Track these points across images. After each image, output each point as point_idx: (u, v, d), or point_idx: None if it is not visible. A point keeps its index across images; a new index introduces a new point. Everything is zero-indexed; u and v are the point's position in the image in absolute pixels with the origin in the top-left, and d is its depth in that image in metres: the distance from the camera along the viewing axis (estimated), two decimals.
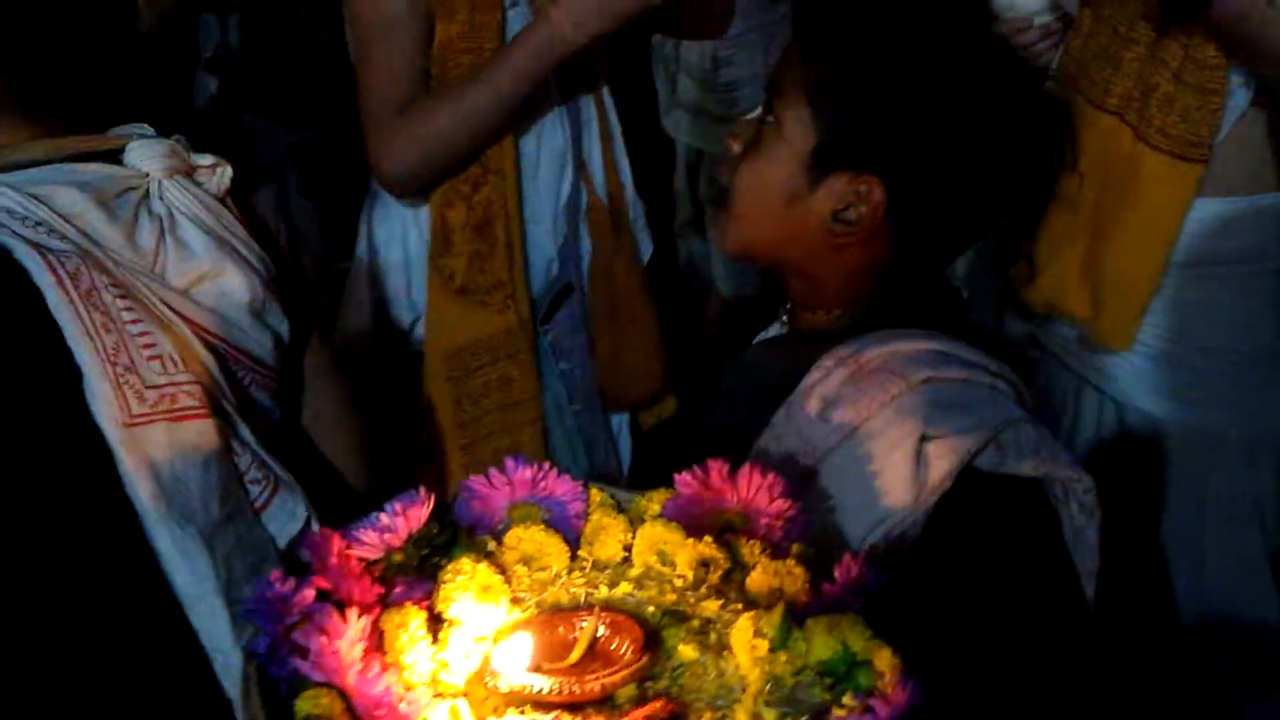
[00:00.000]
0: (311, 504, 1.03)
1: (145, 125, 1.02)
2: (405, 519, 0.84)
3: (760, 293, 1.43)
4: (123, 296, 0.92)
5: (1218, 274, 1.59)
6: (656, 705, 0.67)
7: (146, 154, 0.99)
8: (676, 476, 0.92)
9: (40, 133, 0.95)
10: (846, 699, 0.70)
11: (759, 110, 1.15)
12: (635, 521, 0.88)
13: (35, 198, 0.91)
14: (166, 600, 0.94)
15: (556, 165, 1.67)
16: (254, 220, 1.08)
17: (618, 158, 1.73)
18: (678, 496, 0.91)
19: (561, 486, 0.90)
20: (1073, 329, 1.68)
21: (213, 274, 0.99)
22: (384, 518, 0.84)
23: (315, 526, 1.04)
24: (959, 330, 1.11)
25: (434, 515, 0.85)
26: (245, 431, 0.99)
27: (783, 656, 0.73)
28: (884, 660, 0.71)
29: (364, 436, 1.19)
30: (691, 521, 0.88)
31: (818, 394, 1.05)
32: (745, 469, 0.90)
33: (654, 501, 0.91)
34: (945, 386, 1.02)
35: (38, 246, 0.89)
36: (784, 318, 1.22)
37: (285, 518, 1.03)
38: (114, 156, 0.98)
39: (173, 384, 0.93)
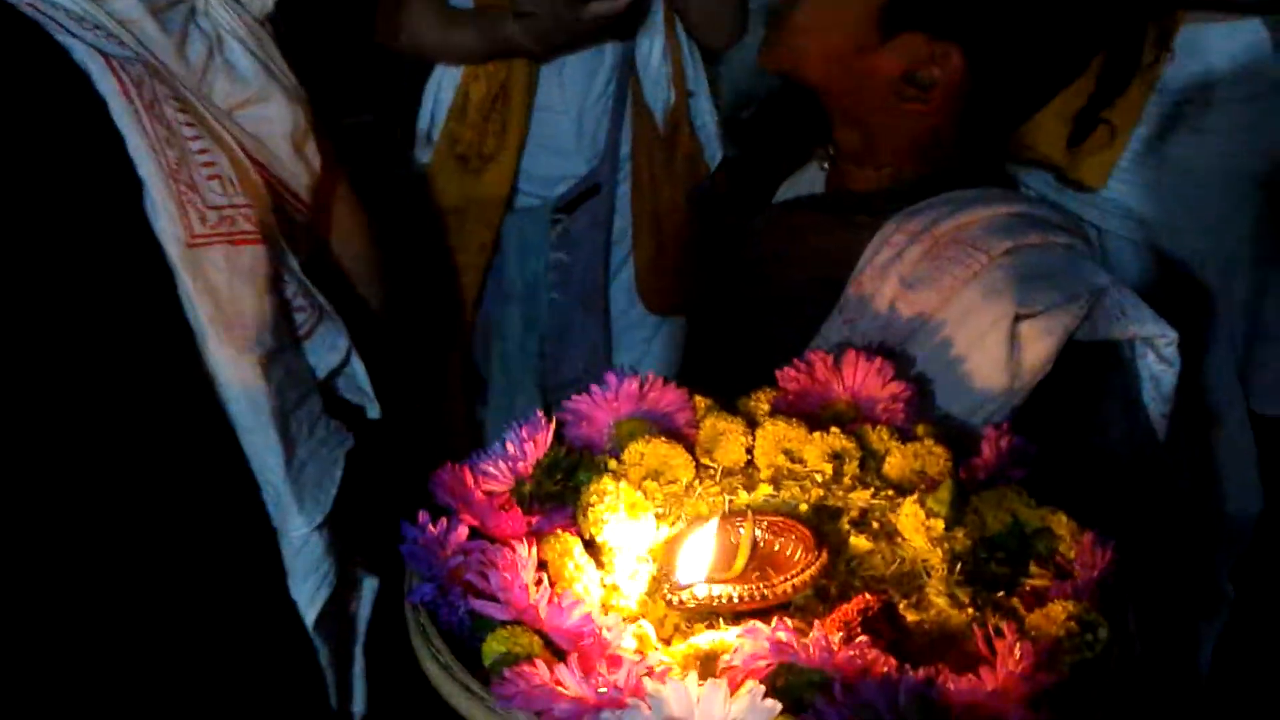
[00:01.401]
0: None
1: None
2: (533, 444, 0.82)
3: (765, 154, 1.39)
4: (183, 110, 0.89)
5: (1193, 97, 1.59)
6: (867, 598, 0.67)
7: None
8: (779, 372, 0.91)
9: None
10: (1034, 568, 0.71)
11: None
12: (749, 424, 0.88)
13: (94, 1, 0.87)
14: (220, 425, 0.93)
15: (589, 60, 1.67)
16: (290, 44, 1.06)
17: (686, 64, 1.72)
18: (785, 393, 0.91)
19: (668, 396, 0.89)
20: (1046, 169, 1.69)
21: (258, 99, 0.97)
22: (509, 446, 0.82)
23: (354, 359, 1.04)
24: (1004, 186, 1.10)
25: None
26: (292, 260, 0.98)
27: (959, 533, 0.74)
28: (1061, 525, 0.73)
29: (382, 269, 1.19)
30: (802, 416, 0.88)
31: (895, 273, 1.01)
32: (850, 355, 0.90)
33: (762, 401, 0.91)
34: (1028, 255, 0.99)
35: (100, 51, 0.85)
36: (824, 166, 1.16)
37: (327, 349, 1.02)
38: None
39: (232, 206, 0.91)
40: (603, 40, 1.67)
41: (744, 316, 1.16)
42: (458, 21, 1.67)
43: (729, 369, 1.11)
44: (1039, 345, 0.95)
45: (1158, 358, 1.00)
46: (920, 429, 0.85)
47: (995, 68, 1.03)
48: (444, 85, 1.73)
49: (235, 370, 0.90)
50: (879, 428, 0.84)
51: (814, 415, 0.89)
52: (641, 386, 0.88)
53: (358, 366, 1.05)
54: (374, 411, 1.07)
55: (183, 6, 0.93)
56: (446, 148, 1.72)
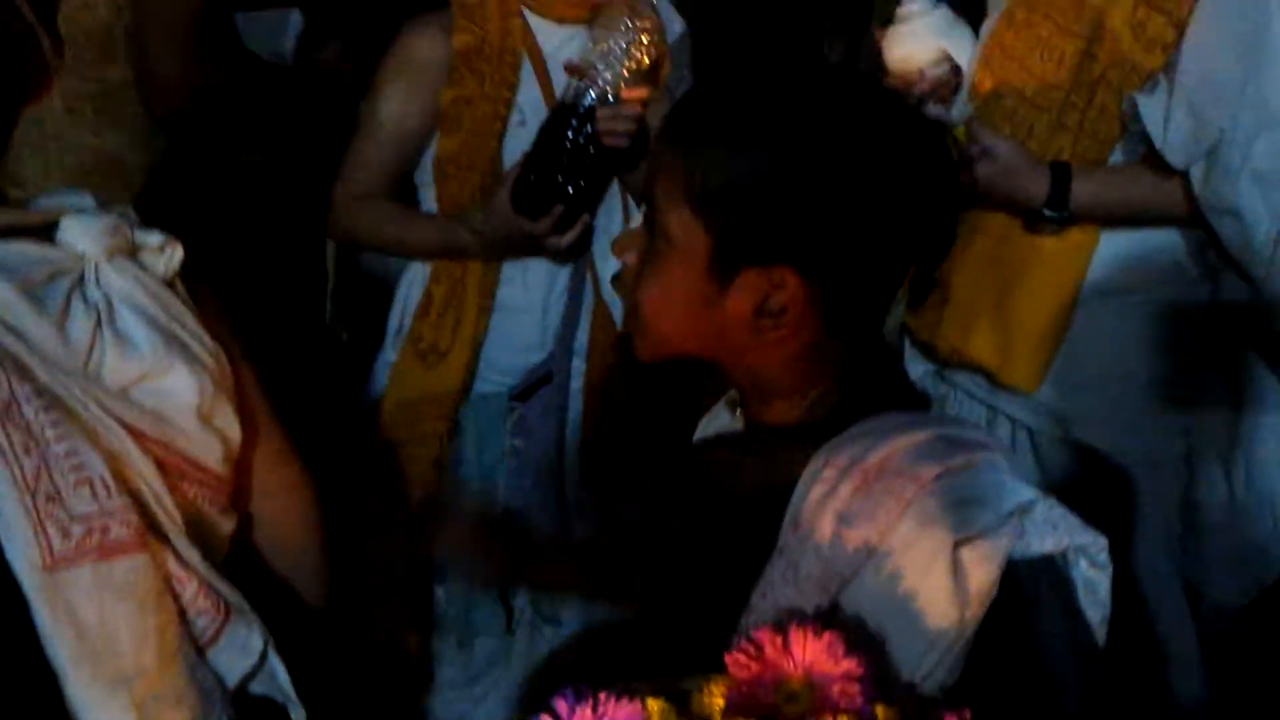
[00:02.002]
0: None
1: (85, 196, 0.92)
2: None
3: None
4: (48, 408, 0.82)
5: (1116, 304, 1.64)
6: None
7: (84, 231, 0.88)
8: (728, 658, 0.88)
9: None
10: None
11: (640, 223, 1.11)
12: None
13: None
14: None
15: (552, 263, 1.76)
16: (209, 305, 0.97)
17: None
18: (738, 683, 0.87)
19: (621, 712, 0.85)
20: (979, 371, 1.71)
21: (156, 372, 0.88)
22: None
23: (272, 657, 0.94)
24: (909, 394, 1.12)
25: None
26: (191, 554, 0.89)
27: None
28: None
29: (324, 545, 1.09)
30: (756, 705, 0.84)
31: (831, 509, 0.99)
32: (797, 633, 0.87)
33: (715, 695, 0.87)
34: (956, 478, 0.98)
35: None
36: (735, 411, 1.17)
37: (237, 652, 0.92)
38: (46, 232, 0.88)
39: (104, 513, 0.83)
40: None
41: (673, 565, 1.14)
42: (416, 220, 1.80)
43: (668, 623, 1.10)
44: (982, 571, 0.94)
45: (1090, 564, 0.98)
46: (880, 711, 0.81)
47: (832, 272, 1.04)
48: (413, 286, 1.83)
49: (106, 713, 0.82)
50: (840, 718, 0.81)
51: (771, 708, 0.85)
52: (595, 709, 0.84)
53: (276, 665, 0.94)
54: (298, 716, 0.97)
55: (65, 279, 0.86)
56: (410, 346, 1.82)
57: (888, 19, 1.74)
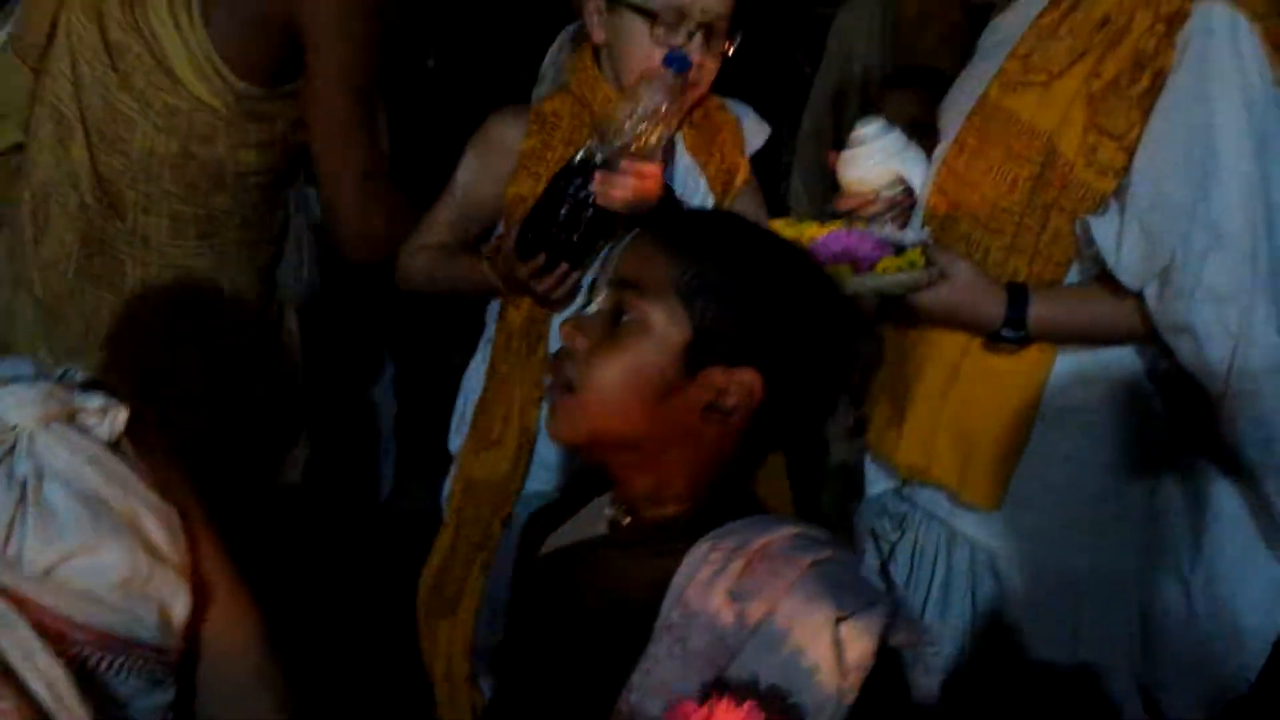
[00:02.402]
0: None
1: (24, 361, 0.90)
2: None
3: None
4: None
5: (1074, 422, 1.65)
6: None
7: (16, 402, 0.86)
8: None
9: None
10: None
11: (598, 304, 1.19)
12: None
13: None
14: None
15: None
16: (160, 460, 0.94)
17: None
18: None
19: None
20: (941, 488, 1.71)
21: (84, 550, 0.85)
22: None
23: None
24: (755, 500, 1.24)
25: None
26: None
27: None
28: None
29: (280, 691, 1.05)
30: None
31: (721, 587, 1.09)
32: (721, 706, 0.92)
33: None
34: (830, 566, 1.11)
35: None
36: (618, 517, 1.24)
37: None
38: None
39: None
40: None
41: (544, 666, 1.22)
42: (455, 259, 1.88)
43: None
44: (860, 644, 1.05)
45: (925, 667, 1.14)
46: None
47: (787, 383, 1.16)
48: (475, 372, 1.94)
49: None
50: None
51: None
52: None
53: None
54: None
55: None
56: (472, 432, 1.91)
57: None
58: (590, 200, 1.65)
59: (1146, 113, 1.51)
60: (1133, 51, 1.53)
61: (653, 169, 1.65)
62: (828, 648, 1.04)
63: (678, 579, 1.11)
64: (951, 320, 1.62)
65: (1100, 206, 1.55)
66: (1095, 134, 1.54)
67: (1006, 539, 1.69)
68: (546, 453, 1.84)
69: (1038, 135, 1.58)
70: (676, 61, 1.69)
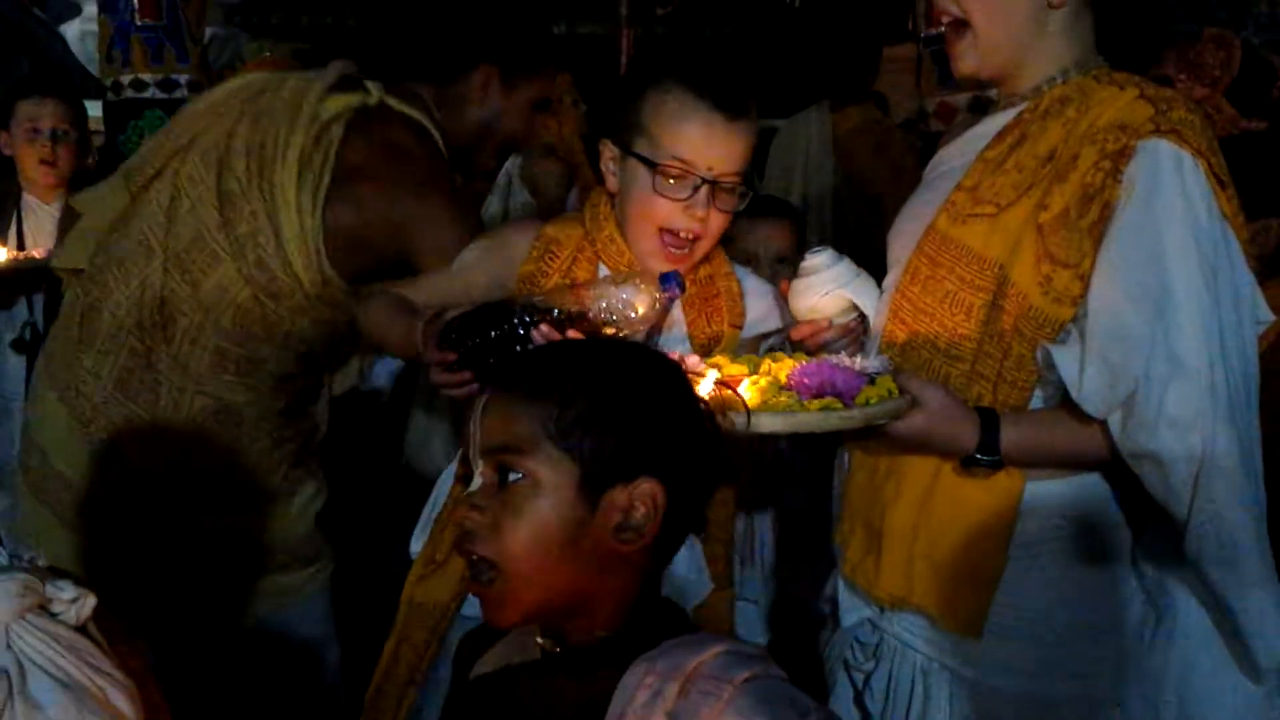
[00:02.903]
0: None
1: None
2: None
3: None
4: None
5: (1048, 550, 1.66)
6: None
7: None
8: None
9: None
10: None
11: (480, 477, 1.20)
12: None
13: None
14: None
15: None
16: (120, 638, 0.97)
17: None
18: None
19: None
20: (919, 616, 1.71)
21: None
22: None
23: None
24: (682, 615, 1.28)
25: None
26: None
27: None
28: None
29: None
30: None
31: (659, 710, 1.11)
32: None
33: None
34: (759, 682, 1.13)
35: None
36: (538, 640, 1.25)
37: None
38: None
39: None
40: None
41: None
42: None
43: None
44: None
45: None
46: None
47: (683, 476, 1.20)
48: (444, 486, 1.96)
49: None
50: None
51: None
52: None
53: None
54: None
55: None
56: (424, 549, 1.93)
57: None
58: (525, 343, 1.65)
59: (1097, 243, 1.54)
60: (1080, 186, 1.56)
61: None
62: None
63: (615, 705, 1.13)
64: (926, 447, 1.62)
65: (1060, 333, 1.57)
66: (1049, 263, 1.56)
67: (986, 668, 1.68)
68: None
69: (989, 264, 1.61)
70: (671, 282, 1.69)
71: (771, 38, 5.88)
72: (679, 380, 1.25)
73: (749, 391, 1.53)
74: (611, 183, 1.86)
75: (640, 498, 1.17)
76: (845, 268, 1.78)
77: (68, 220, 2.89)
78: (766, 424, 1.48)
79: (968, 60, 1.70)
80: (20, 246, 3.38)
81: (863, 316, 1.77)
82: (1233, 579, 1.55)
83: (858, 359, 1.61)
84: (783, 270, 2.26)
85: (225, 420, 2.24)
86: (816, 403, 1.49)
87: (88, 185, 2.53)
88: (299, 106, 2.22)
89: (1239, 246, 1.56)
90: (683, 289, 1.72)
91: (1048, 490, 1.65)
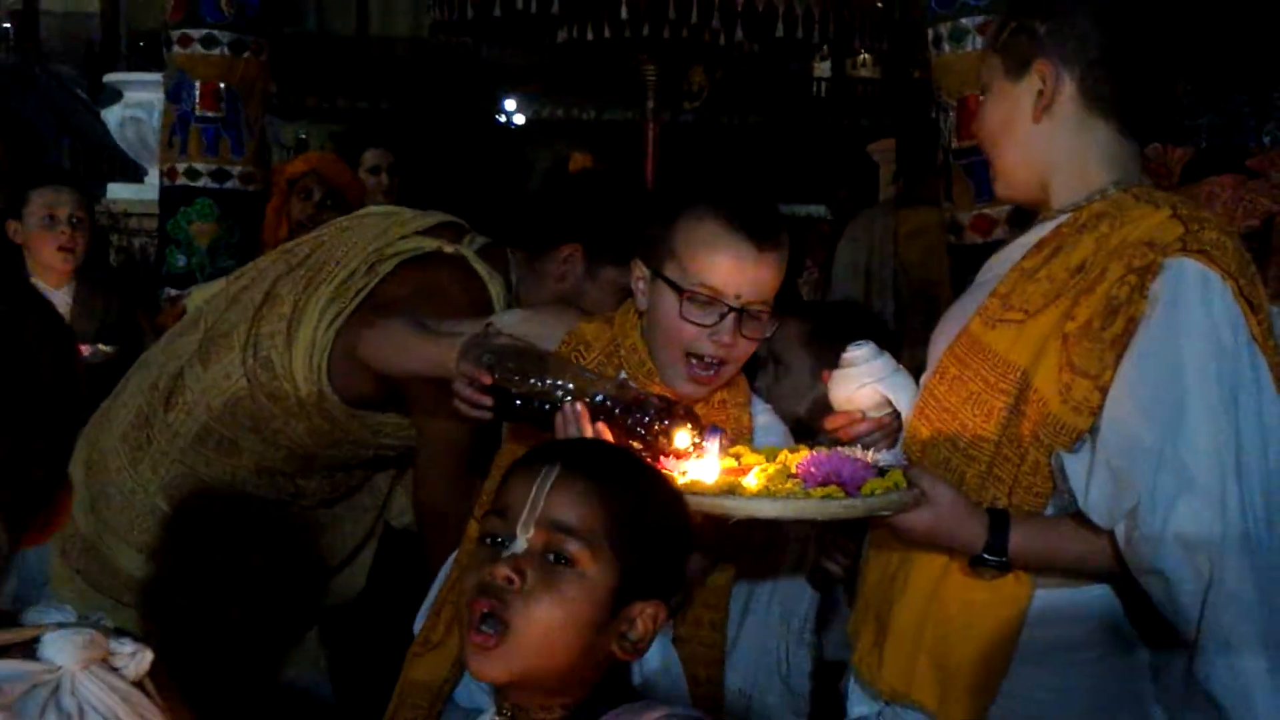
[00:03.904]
0: None
1: (68, 610, 1.03)
2: None
3: None
4: None
5: (1057, 660, 1.65)
6: None
7: (62, 646, 0.98)
8: None
9: None
10: None
11: (527, 542, 1.26)
12: None
13: None
14: None
15: None
16: (172, 694, 1.06)
17: None
18: None
19: None
20: (922, 713, 1.71)
21: None
22: None
23: None
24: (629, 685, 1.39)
25: None
26: None
27: None
28: None
29: None
30: None
31: None
32: None
33: None
34: None
35: None
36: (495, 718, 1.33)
37: None
38: (29, 646, 0.98)
39: None
40: None
41: None
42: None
43: None
44: None
45: None
46: None
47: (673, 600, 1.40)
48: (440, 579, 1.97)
49: None
50: None
51: None
52: None
53: None
54: None
55: (42, 689, 0.96)
56: (423, 638, 1.93)
57: None
58: (555, 408, 1.70)
59: (1119, 355, 1.55)
60: (1105, 298, 1.58)
61: (606, 437, 1.69)
62: None
63: None
64: (932, 543, 1.64)
65: (1076, 443, 1.58)
66: (1069, 372, 1.58)
67: None
68: None
69: (1013, 369, 1.63)
70: (717, 434, 1.70)
71: (797, 127, 5.96)
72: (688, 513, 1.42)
73: (757, 479, 1.57)
74: (640, 301, 1.89)
75: (647, 618, 1.28)
76: (883, 363, 1.82)
77: None
78: (767, 510, 1.52)
79: (997, 186, 1.78)
80: None
81: (897, 414, 1.80)
82: (1243, 708, 1.50)
83: (869, 453, 1.64)
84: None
85: (190, 489, 2.35)
86: (819, 491, 1.52)
87: (94, 272, 2.78)
88: (377, 235, 2.35)
89: (1269, 372, 1.55)
90: (722, 447, 1.70)
91: (1058, 598, 1.64)
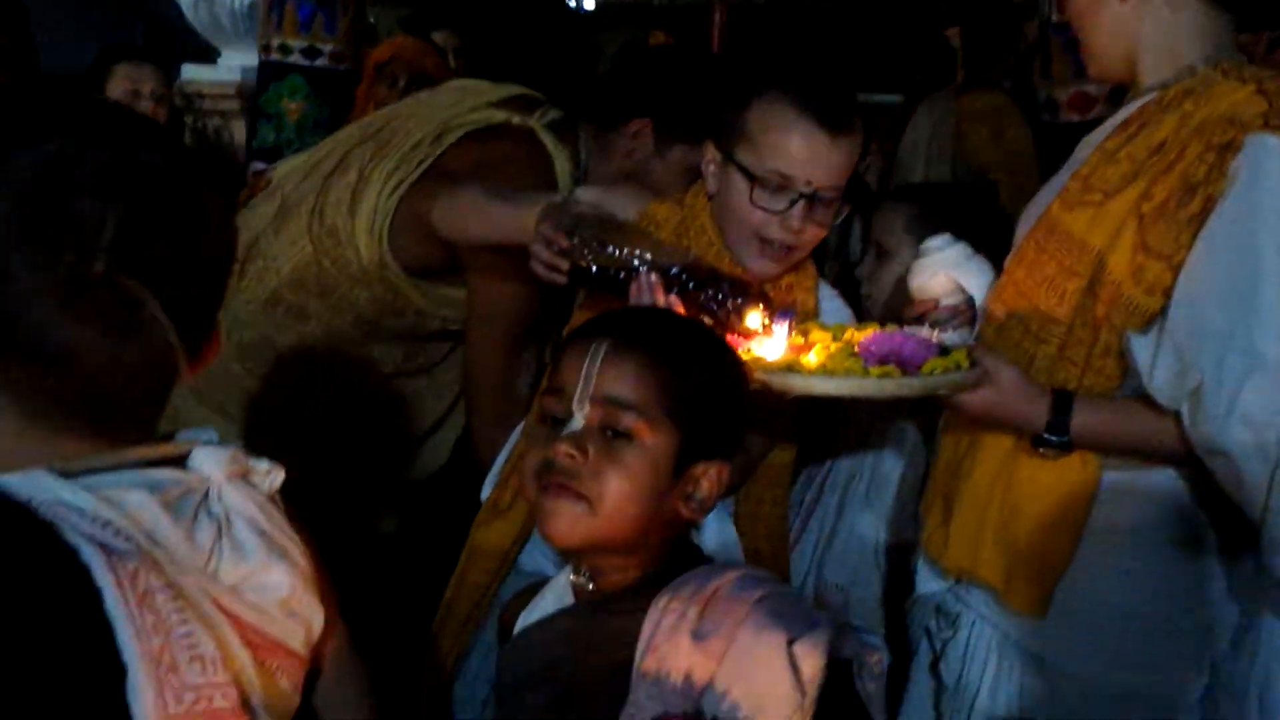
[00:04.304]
0: None
1: (211, 432, 1.13)
2: None
3: None
4: (175, 599, 1.00)
5: (1121, 542, 1.67)
6: None
7: (210, 460, 1.08)
8: None
9: (107, 445, 1.03)
10: None
11: (583, 418, 1.30)
12: None
13: (108, 500, 0.98)
14: None
15: None
16: (294, 518, 1.17)
17: None
18: None
19: None
20: (988, 590, 1.74)
21: (259, 571, 1.08)
22: None
23: None
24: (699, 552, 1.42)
25: None
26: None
27: None
28: None
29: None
30: None
31: (684, 631, 1.24)
32: None
33: None
34: (773, 599, 1.26)
35: (103, 547, 0.96)
36: (571, 579, 1.39)
37: None
38: (181, 460, 1.08)
39: (210, 684, 1.00)
40: None
41: None
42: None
43: None
44: (811, 660, 1.19)
45: (870, 674, 1.22)
46: None
47: (734, 460, 1.39)
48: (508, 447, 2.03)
49: None
50: None
51: None
52: None
53: None
54: None
55: (194, 496, 1.06)
56: (490, 504, 1.99)
57: None
58: (630, 277, 1.72)
59: (1195, 235, 1.53)
60: (1182, 176, 1.56)
61: (678, 310, 1.70)
62: (784, 668, 1.19)
63: (645, 631, 1.27)
64: (995, 422, 1.66)
65: (1147, 324, 1.58)
66: (1143, 254, 1.57)
67: (1057, 649, 1.70)
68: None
69: (1088, 251, 1.63)
70: (789, 316, 1.70)
71: (877, 15, 5.82)
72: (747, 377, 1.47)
73: (818, 355, 1.59)
74: (711, 184, 1.90)
75: (710, 477, 1.33)
76: (957, 251, 1.83)
77: None
78: (824, 386, 1.54)
79: (1089, 64, 1.75)
80: None
81: (971, 300, 1.81)
82: None
83: (935, 332, 1.66)
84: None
85: (265, 354, 2.38)
86: (877, 369, 1.53)
87: None
88: (449, 106, 2.35)
89: None
90: (790, 328, 1.71)
91: (1126, 479, 1.65)
